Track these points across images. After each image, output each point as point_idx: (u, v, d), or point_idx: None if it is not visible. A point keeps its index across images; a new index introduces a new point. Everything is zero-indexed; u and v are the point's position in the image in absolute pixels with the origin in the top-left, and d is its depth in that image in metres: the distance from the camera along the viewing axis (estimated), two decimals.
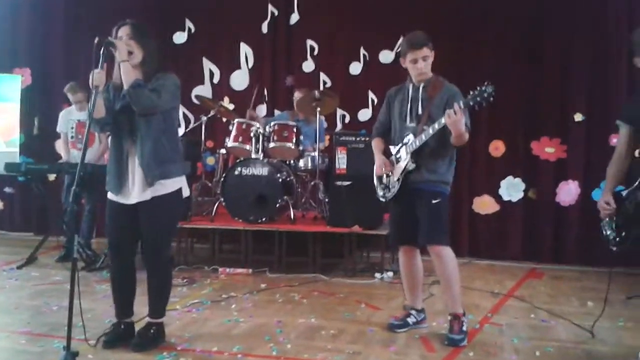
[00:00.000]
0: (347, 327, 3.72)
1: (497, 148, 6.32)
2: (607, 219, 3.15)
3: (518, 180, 6.28)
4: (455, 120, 3.22)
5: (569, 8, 6.10)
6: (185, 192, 3.32)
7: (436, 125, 3.34)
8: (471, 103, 3.25)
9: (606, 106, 6.01)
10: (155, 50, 3.21)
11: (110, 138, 3.30)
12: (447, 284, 3.55)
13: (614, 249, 3.14)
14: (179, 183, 3.25)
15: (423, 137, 3.40)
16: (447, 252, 3.50)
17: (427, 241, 3.50)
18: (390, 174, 3.60)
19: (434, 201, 3.46)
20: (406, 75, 3.65)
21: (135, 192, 3.14)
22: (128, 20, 3.19)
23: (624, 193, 3.11)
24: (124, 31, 3.14)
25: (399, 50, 6.49)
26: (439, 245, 3.49)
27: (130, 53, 3.08)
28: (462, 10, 6.39)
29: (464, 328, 3.49)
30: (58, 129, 5.96)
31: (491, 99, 3.22)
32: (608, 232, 3.17)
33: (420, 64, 3.46)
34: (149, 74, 3.15)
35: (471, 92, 3.27)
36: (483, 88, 3.23)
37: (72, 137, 5.84)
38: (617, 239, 3.11)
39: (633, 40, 3.11)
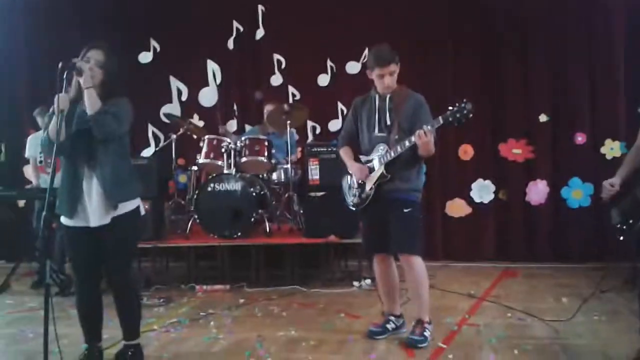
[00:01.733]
0: (328, 337, 3.72)
1: (466, 152, 6.42)
2: (615, 207, 3.18)
3: (488, 182, 6.39)
4: (426, 141, 3.31)
5: (528, 10, 6.26)
6: (142, 211, 3.29)
7: (407, 143, 3.39)
8: (450, 119, 3.32)
9: (569, 105, 6.17)
10: (115, 73, 3.19)
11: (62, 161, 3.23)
12: (416, 292, 3.60)
13: (621, 237, 3.15)
14: (136, 202, 3.23)
15: (398, 148, 3.44)
16: (418, 261, 3.53)
17: (398, 250, 3.54)
18: (363, 182, 3.62)
19: (405, 210, 3.50)
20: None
21: (96, 215, 3.09)
22: (101, 43, 3.15)
23: None
24: (94, 55, 3.10)
25: (365, 61, 6.64)
26: (410, 254, 3.52)
27: (92, 77, 3.04)
28: (424, 20, 6.51)
29: (426, 333, 3.52)
30: (27, 154, 5.88)
31: (470, 115, 3.29)
32: (616, 220, 3.17)
33: (387, 79, 3.52)
34: (105, 96, 3.10)
35: (450, 109, 3.33)
36: (462, 105, 3.30)
37: (40, 161, 5.76)
38: (623, 226, 3.12)
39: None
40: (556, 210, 6.20)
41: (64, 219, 3.16)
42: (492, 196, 6.38)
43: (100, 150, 3.09)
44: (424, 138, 3.30)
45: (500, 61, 6.35)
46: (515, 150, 6.32)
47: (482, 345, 3.51)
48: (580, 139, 6.15)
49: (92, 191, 3.09)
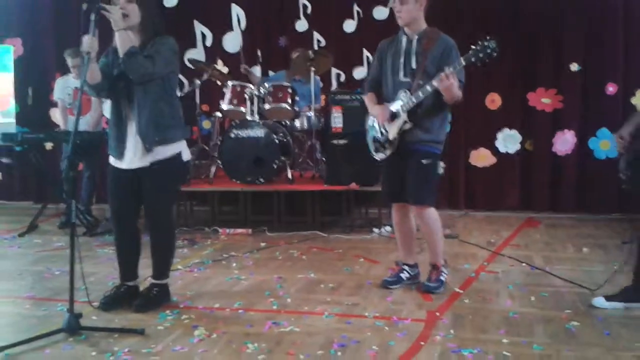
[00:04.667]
0: (346, 281, 3.78)
1: (493, 100, 6.31)
2: (623, 157, 3.14)
3: (514, 131, 6.30)
4: (448, 85, 3.14)
5: None
6: (186, 156, 3.32)
7: (428, 88, 3.24)
8: (472, 59, 3.13)
9: (602, 55, 5.99)
10: (155, 14, 3.16)
11: (109, 103, 3.28)
12: (429, 240, 3.59)
13: (624, 186, 3.14)
14: (178, 147, 3.23)
15: (420, 94, 3.29)
16: (430, 212, 3.48)
17: (412, 201, 3.49)
18: (385, 130, 3.50)
19: (424, 161, 3.41)
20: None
21: (134, 157, 3.15)
22: None
23: None
24: None
25: (391, 6, 6.48)
26: (423, 206, 3.47)
27: (125, 16, 3.01)
28: None
29: (442, 278, 3.54)
30: (55, 97, 5.97)
31: (494, 54, 3.08)
32: (622, 168, 3.15)
33: (397, 7, 3.35)
34: (147, 38, 3.10)
35: (472, 48, 3.12)
36: (485, 43, 3.08)
37: (69, 104, 5.85)
38: (624, 176, 3.11)
39: None
40: (582, 161, 6.10)
41: (111, 159, 3.23)
42: (518, 146, 6.29)
43: (139, 92, 3.09)
44: (446, 81, 3.13)
45: (532, 8, 6.14)
46: (544, 100, 6.19)
47: (499, 291, 3.53)
48: (611, 89, 5.99)
49: (132, 133, 3.14)
